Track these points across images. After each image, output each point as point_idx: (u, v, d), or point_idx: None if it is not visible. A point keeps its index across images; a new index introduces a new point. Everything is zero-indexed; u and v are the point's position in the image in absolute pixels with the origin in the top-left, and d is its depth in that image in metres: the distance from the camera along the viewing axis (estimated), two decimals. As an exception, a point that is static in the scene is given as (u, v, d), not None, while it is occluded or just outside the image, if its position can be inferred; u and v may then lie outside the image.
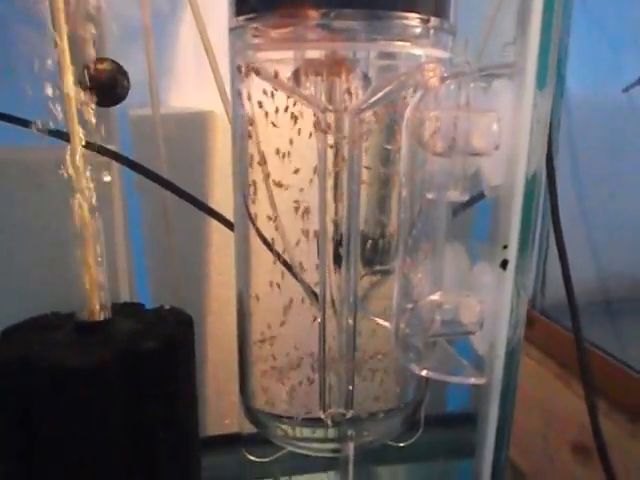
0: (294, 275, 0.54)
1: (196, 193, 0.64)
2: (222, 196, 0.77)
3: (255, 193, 0.52)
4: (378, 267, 0.54)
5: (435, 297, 0.47)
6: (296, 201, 0.51)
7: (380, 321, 0.53)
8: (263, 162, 0.51)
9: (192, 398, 0.58)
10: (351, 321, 0.52)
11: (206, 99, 0.74)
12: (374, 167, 0.51)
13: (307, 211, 0.51)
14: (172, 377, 0.55)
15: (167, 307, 0.61)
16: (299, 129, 0.49)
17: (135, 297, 0.70)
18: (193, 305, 0.77)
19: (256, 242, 0.53)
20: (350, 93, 0.47)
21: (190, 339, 0.58)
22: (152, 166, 0.63)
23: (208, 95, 0.69)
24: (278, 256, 0.53)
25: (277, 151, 0.50)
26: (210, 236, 0.81)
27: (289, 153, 0.50)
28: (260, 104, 0.50)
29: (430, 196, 0.46)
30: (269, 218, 0.52)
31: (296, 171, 0.50)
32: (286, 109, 0.49)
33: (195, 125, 0.77)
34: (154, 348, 0.53)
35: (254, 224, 0.53)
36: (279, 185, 0.51)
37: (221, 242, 0.80)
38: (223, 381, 0.83)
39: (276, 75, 0.48)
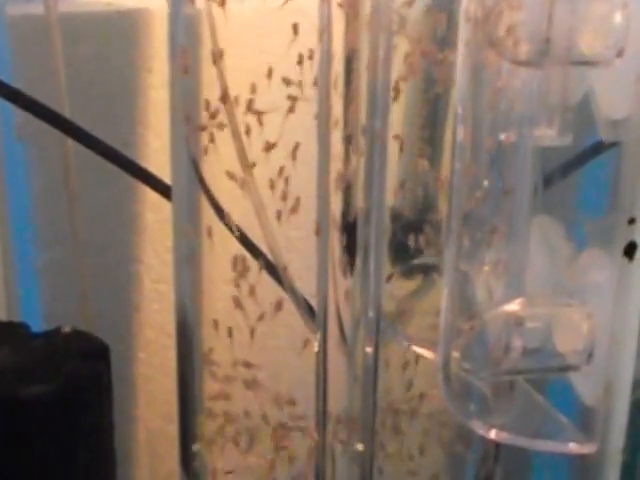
0: (275, 275, 0.54)
1: (118, 144, 0.64)
2: (163, 150, 0.71)
3: (211, 136, 0.52)
4: (416, 261, 0.54)
5: (513, 307, 0.46)
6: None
7: (419, 350, 0.53)
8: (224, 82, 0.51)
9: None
10: (370, 350, 0.52)
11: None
12: (413, 89, 0.52)
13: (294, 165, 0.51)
14: (74, 445, 0.55)
15: (67, 329, 0.60)
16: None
17: (16, 313, 0.70)
18: (111, 332, 0.73)
19: (211, 221, 0.54)
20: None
21: (104, 381, 0.58)
22: (46, 98, 0.63)
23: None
24: (247, 244, 0.53)
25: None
26: (142, 216, 0.80)
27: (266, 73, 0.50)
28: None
29: (506, 137, 0.46)
30: (232, 177, 0.53)
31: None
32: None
33: (118, 32, 0.76)
34: (43, 395, 0.54)
35: (206, 190, 0.53)
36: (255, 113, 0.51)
37: (160, 226, 0.79)
38: (162, 456, 0.82)
39: None
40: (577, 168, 0.51)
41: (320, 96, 0.49)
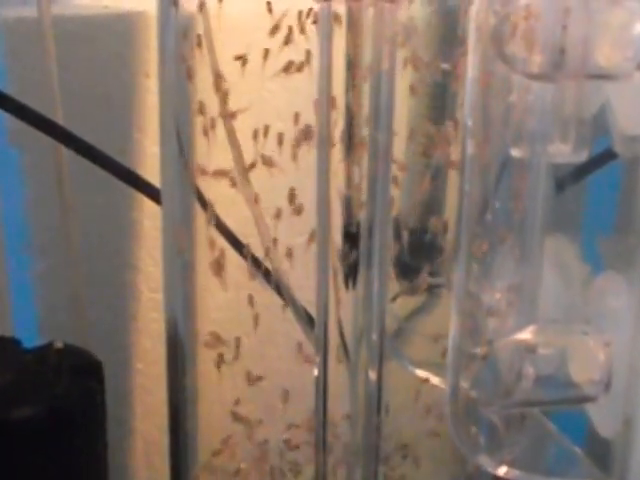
0: (277, 288, 0.53)
1: (114, 150, 0.63)
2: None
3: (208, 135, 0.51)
4: (422, 280, 0.52)
5: (525, 335, 0.45)
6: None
7: (426, 376, 0.52)
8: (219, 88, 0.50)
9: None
10: (373, 375, 0.51)
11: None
12: (417, 103, 0.51)
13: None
14: (65, 467, 0.54)
15: (59, 345, 0.59)
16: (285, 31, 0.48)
17: (10, 327, 0.69)
18: (108, 342, 0.76)
19: (203, 230, 0.54)
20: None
21: (97, 400, 0.57)
22: (39, 103, 0.62)
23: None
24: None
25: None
26: (138, 223, 0.79)
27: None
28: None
29: (518, 153, 0.45)
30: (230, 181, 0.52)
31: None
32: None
33: (114, 36, 0.76)
34: (32, 417, 0.53)
35: (200, 196, 0.52)
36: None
37: (157, 233, 0.72)
38: (159, 468, 0.80)
39: None
40: (585, 176, 0.49)
41: (321, 102, 0.49)
